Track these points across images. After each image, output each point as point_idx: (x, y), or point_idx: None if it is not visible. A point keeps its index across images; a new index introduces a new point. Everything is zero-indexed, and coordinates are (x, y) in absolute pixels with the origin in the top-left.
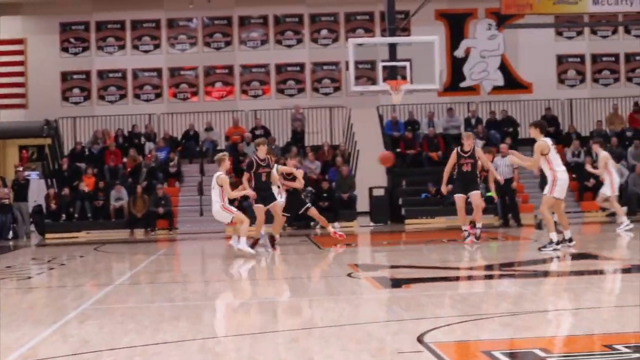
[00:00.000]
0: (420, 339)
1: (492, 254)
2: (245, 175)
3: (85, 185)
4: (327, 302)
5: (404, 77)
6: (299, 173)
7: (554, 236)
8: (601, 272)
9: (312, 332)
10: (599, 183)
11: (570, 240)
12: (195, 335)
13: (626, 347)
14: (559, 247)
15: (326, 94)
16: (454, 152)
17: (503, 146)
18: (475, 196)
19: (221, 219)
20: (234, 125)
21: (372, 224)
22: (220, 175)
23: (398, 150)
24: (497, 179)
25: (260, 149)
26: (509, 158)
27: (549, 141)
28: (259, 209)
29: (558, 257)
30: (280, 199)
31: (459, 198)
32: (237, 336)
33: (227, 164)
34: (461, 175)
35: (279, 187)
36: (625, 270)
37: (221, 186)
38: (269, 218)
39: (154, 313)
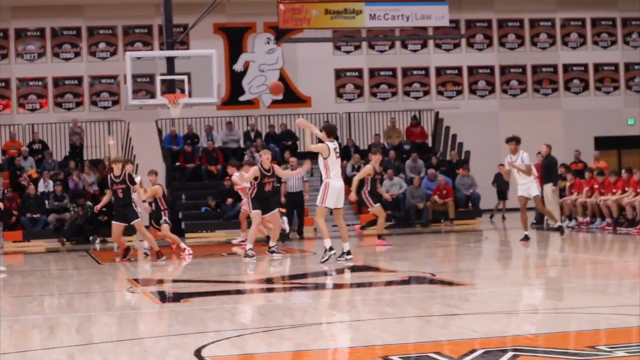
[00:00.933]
0: (197, 354)
1: (272, 267)
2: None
3: None
4: (105, 318)
5: (182, 91)
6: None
7: (328, 243)
8: (381, 284)
9: (88, 347)
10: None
11: (348, 252)
12: None
13: (401, 357)
14: (333, 252)
15: (105, 108)
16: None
17: (292, 159)
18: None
19: None
20: (10, 139)
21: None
22: None
23: (177, 164)
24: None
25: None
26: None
27: (331, 145)
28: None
29: (337, 270)
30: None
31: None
32: (12, 353)
33: None
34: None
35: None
36: (404, 282)
37: None
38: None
39: None
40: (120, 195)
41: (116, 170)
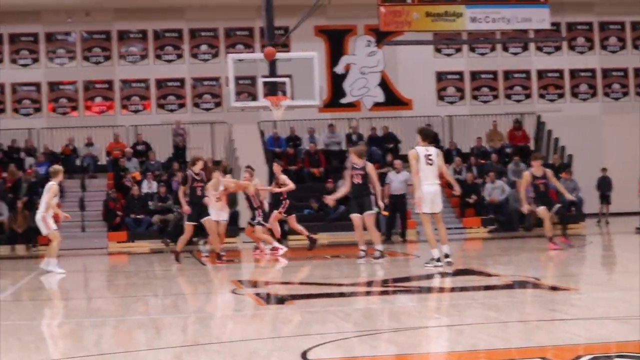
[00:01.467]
0: (303, 356)
1: (376, 270)
2: (181, 189)
3: None
4: (210, 319)
5: (284, 93)
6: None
7: (435, 253)
8: (485, 288)
9: (194, 348)
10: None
11: (446, 256)
12: (76, 353)
13: None
14: (440, 263)
15: (207, 110)
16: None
17: (397, 162)
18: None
19: (40, 228)
20: (114, 140)
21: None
22: (51, 185)
23: None
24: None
25: (197, 164)
26: None
27: (421, 151)
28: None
29: (441, 274)
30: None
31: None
32: (119, 353)
33: (60, 176)
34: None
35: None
36: (508, 286)
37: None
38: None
39: (35, 331)
40: (199, 193)
41: (197, 168)
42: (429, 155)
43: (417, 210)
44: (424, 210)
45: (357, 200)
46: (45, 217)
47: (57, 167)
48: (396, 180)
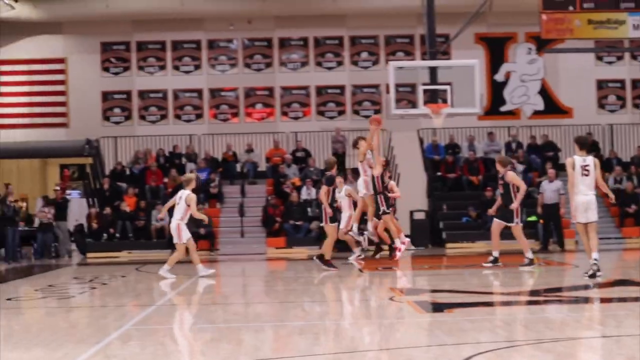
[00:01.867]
0: None
1: (533, 279)
2: (324, 189)
3: (127, 205)
4: (369, 326)
5: (444, 101)
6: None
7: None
8: None
9: (353, 356)
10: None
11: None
12: (236, 357)
13: None
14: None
15: (367, 117)
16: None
17: (551, 171)
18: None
19: (174, 235)
20: (274, 147)
21: (412, 247)
22: (189, 195)
23: (439, 173)
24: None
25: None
26: None
27: (578, 160)
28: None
29: (599, 284)
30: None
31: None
32: (279, 359)
33: (194, 184)
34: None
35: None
36: None
37: (188, 205)
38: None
39: (196, 335)
40: None
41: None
42: (586, 165)
43: (572, 220)
44: (578, 220)
45: (500, 209)
46: (180, 226)
47: (191, 175)
48: (549, 189)
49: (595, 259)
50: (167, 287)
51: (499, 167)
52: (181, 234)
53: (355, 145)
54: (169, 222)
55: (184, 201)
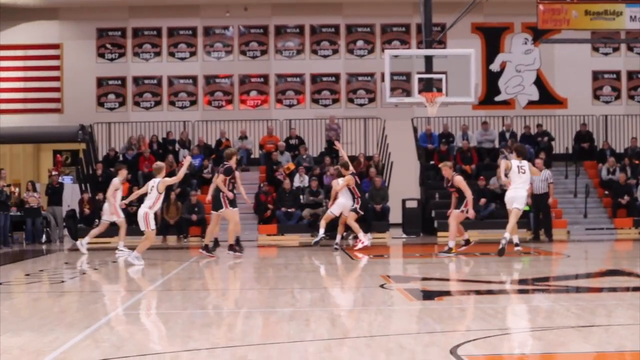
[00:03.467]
0: (452, 352)
1: (524, 269)
2: (221, 178)
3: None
4: (359, 313)
5: (439, 90)
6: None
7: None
8: (634, 289)
9: (343, 342)
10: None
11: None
12: (227, 343)
13: None
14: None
15: (361, 105)
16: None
17: (538, 161)
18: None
19: (141, 223)
20: (268, 134)
21: (404, 235)
22: (162, 181)
23: (432, 162)
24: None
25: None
26: None
27: (514, 162)
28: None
29: (589, 273)
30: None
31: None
32: (269, 344)
33: (164, 172)
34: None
35: None
36: None
37: (160, 193)
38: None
39: (185, 320)
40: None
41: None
42: (522, 166)
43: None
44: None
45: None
46: (148, 214)
47: (160, 163)
48: (537, 179)
49: (505, 237)
50: (158, 272)
51: (446, 172)
52: (149, 222)
53: (341, 171)
54: (136, 210)
55: (156, 189)
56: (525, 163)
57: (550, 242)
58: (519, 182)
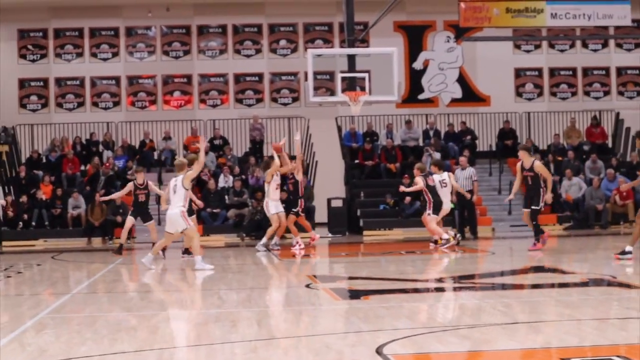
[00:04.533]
0: (378, 351)
1: (450, 267)
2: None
3: (43, 193)
4: (285, 313)
5: (362, 89)
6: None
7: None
8: (559, 285)
9: (270, 342)
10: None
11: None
12: (152, 345)
13: None
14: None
15: (285, 104)
16: None
17: (462, 159)
18: None
19: (176, 225)
20: (192, 134)
21: (330, 235)
22: (187, 176)
23: (356, 161)
24: (460, 192)
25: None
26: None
27: (436, 177)
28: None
29: (514, 270)
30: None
31: None
32: (195, 346)
33: (185, 168)
34: None
35: None
36: (583, 284)
37: (187, 189)
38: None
39: (111, 323)
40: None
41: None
42: (443, 180)
43: None
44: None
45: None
46: (183, 212)
47: (182, 159)
48: (462, 177)
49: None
50: (83, 274)
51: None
52: (187, 219)
53: (266, 167)
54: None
55: (181, 186)
56: (445, 175)
57: (475, 240)
58: (443, 194)
